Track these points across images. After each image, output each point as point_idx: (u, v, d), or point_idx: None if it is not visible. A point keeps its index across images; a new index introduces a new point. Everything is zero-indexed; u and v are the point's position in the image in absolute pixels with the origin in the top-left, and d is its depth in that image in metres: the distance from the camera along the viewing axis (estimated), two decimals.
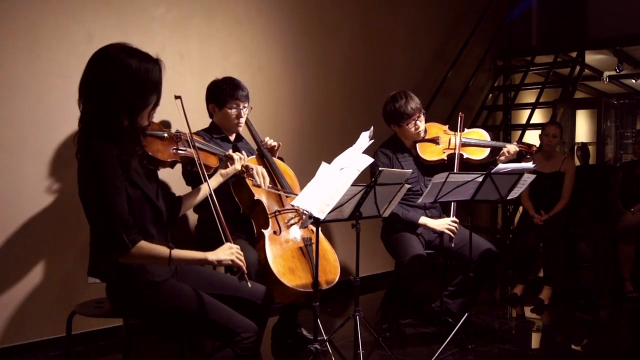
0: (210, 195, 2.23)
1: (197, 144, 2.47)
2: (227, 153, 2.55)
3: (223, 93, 3.07)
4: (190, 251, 2.02)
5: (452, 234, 3.32)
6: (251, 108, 3.16)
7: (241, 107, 3.08)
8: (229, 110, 3.07)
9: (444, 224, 3.35)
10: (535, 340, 3.73)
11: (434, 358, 3.03)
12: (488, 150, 3.51)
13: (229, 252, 2.07)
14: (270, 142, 3.20)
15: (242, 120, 3.11)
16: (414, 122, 3.44)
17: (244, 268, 2.09)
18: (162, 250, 1.94)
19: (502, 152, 3.44)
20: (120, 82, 1.90)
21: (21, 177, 3.00)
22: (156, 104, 2.02)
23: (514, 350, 3.31)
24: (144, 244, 1.90)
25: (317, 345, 2.58)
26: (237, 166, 2.54)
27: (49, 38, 3.07)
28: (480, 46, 6.21)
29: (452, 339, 3.11)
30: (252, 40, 4.04)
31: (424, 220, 3.40)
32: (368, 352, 3.04)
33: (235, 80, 3.12)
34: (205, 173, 2.31)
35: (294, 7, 4.33)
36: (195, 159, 2.31)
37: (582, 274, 5.27)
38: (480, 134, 3.63)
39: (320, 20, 4.55)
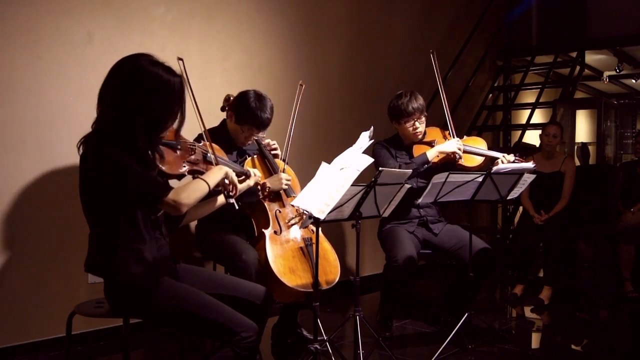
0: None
1: (217, 158, 2.46)
2: (245, 170, 2.56)
3: (247, 114, 2.98)
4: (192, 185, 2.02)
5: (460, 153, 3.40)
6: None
7: (255, 133, 3.04)
8: (242, 131, 3.03)
9: (454, 145, 3.38)
10: (535, 340, 3.73)
11: (434, 358, 3.03)
12: (482, 158, 3.51)
13: (221, 172, 2.11)
14: (272, 144, 3.20)
15: (249, 140, 3.09)
16: (412, 121, 3.46)
17: (236, 186, 2.15)
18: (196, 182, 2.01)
19: (498, 160, 3.37)
20: (148, 93, 1.93)
21: (21, 176, 3.00)
22: (182, 120, 2.05)
23: (514, 350, 3.31)
24: (176, 188, 1.95)
25: (317, 345, 2.58)
26: (251, 182, 2.54)
27: (49, 38, 3.07)
28: (480, 46, 6.21)
29: (452, 339, 3.11)
30: (252, 40, 4.04)
31: (431, 153, 3.40)
32: (368, 352, 3.03)
33: (266, 110, 2.98)
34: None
35: (294, 7, 4.33)
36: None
37: (582, 274, 5.27)
38: (479, 142, 3.62)
39: (320, 20, 4.55)
